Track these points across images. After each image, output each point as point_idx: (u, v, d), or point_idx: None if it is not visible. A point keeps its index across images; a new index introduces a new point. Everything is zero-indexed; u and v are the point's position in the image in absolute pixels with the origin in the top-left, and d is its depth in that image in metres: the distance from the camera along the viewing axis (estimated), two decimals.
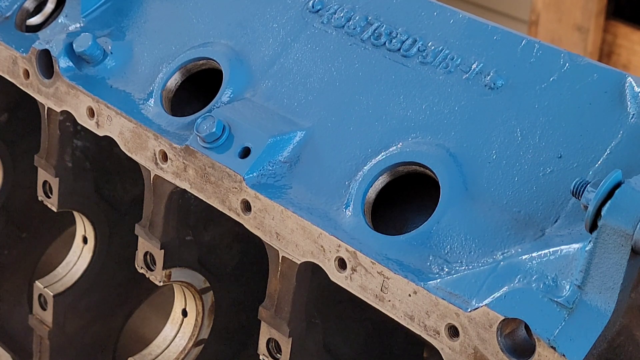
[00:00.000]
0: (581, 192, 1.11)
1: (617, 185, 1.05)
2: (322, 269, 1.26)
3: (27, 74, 1.64)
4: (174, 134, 1.44)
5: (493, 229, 1.19)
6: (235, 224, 1.37)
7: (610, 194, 1.05)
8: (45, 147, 1.68)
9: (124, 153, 1.51)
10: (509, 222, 1.19)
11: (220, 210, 1.38)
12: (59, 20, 1.66)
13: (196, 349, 1.65)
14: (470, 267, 1.16)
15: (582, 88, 1.26)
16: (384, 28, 1.42)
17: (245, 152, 1.35)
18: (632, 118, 1.21)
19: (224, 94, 1.46)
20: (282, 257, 1.31)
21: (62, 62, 1.57)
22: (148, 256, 1.54)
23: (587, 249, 1.05)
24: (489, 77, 1.32)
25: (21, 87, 1.67)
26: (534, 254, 1.12)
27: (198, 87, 1.54)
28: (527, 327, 1.08)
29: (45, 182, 1.70)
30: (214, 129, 1.35)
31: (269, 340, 1.37)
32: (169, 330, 1.66)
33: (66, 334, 1.81)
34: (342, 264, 1.23)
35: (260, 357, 1.39)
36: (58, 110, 1.61)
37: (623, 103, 1.23)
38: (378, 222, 1.28)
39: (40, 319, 1.79)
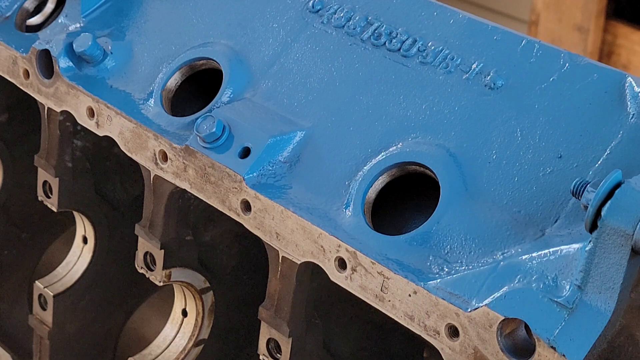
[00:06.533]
0: (581, 192, 1.11)
1: (617, 185, 1.05)
2: (322, 269, 1.26)
3: (27, 74, 1.63)
4: (174, 134, 1.44)
5: (493, 229, 1.19)
6: (235, 224, 1.37)
7: (610, 194, 1.04)
8: (45, 147, 1.68)
9: (124, 153, 1.51)
10: (509, 222, 1.19)
11: (220, 210, 1.38)
12: (59, 20, 1.66)
13: (196, 349, 1.65)
14: (470, 267, 1.16)
15: (582, 88, 1.26)
16: (384, 28, 1.42)
17: (245, 152, 1.35)
18: (632, 118, 1.21)
19: (224, 94, 1.46)
20: (282, 257, 1.31)
21: (62, 62, 1.57)
22: (148, 256, 1.54)
23: (587, 249, 1.05)
24: (489, 77, 1.32)
25: (21, 87, 1.67)
26: (534, 254, 1.12)
27: (198, 87, 1.54)
28: (527, 327, 1.08)
29: (45, 182, 1.70)
30: (214, 129, 1.35)
31: (269, 340, 1.37)
32: (169, 330, 1.66)
33: (66, 334, 1.80)
34: (342, 264, 1.23)
35: (260, 357, 1.39)
36: (58, 110, 1.61)
37: (623, 103, 1.23)
38: (378, 222, 1.28)
39: (40, 319, 1.78)
